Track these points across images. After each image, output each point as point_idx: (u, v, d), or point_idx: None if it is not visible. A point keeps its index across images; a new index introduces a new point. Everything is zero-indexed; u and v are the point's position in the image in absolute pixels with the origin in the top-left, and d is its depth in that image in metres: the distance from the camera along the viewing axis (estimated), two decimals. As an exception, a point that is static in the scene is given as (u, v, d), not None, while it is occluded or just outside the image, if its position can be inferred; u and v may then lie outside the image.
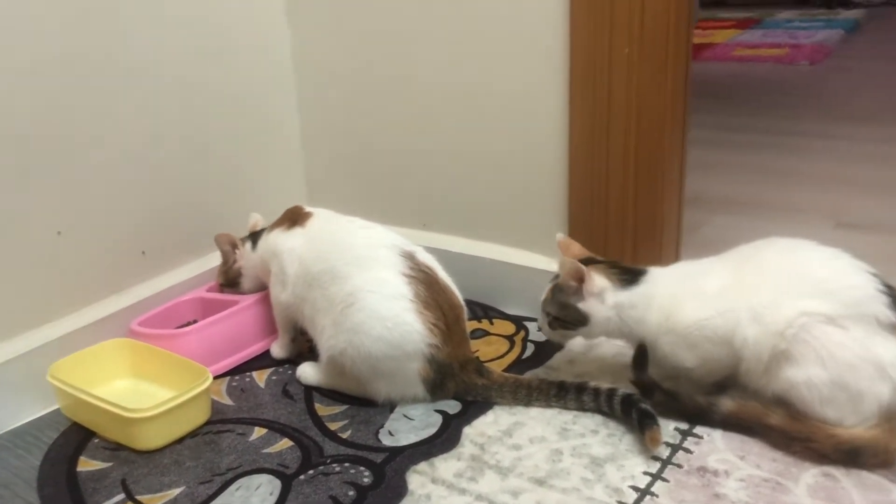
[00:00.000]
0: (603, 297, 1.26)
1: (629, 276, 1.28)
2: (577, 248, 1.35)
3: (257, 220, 1.60)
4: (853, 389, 1.10)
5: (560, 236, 1.37)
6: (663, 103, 1.39)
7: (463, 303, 1.36)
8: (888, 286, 1.14)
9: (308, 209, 1.50)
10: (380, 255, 1.33)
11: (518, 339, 1.53)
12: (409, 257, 1.33)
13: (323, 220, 1.46)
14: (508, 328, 1.57)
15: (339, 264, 1.34)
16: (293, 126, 1.86)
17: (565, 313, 1.28)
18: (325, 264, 1.36)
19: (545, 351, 1.48)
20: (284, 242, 1.44)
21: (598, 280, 1.26)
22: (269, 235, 1.50)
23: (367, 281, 1.30)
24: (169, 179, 1.61)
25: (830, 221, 1.99)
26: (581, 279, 1.25)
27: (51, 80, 1.39)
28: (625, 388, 1.26)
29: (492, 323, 1.60)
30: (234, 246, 1.58)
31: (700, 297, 1.20)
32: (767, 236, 1.26)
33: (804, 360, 1.12)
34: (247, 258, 1.57)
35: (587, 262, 1.29)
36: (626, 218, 1.47)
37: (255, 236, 1.58)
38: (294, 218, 1.48)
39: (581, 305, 1.26)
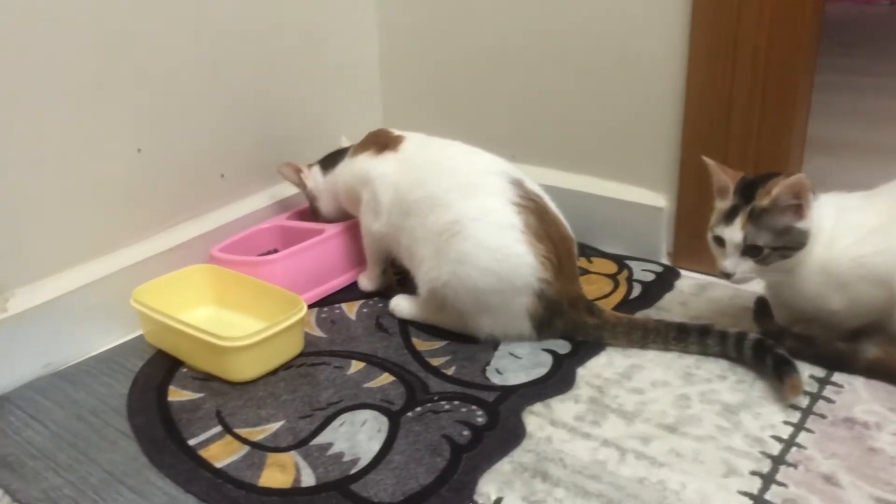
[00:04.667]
0: (812, 212, 1.08)
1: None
2: (731, 170, 1.15)
3: (344, 142, 1.51)
4: None
5: (707, 159, 1.17)
6: (799, 24, 1.25)
7: (573, 236, 1.26)
8: None
9: (397, 132, 1.40)
10: (486, 182, 1.23)
11: (621, 278, 1.43)
12: (518, 185, 1.23)
13: (418, 144, 1.35)
14: (609, 267, 1.47)
15: (440, 191, 1.24)
16: (371, 49, 1.74)
17: (787, 239, 1.07)
18: (424, 191, 1.26)
19: (653, 292, 1.38)
20: (375, 168, 1.34)
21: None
22: (355, 160, 1.39)
23: (473, 209, 1.20)
24: (246, 101, 1.51)
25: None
26: (802, 194, 1.06)
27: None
28: (751, 331, 1.16)
29: (590, 261, 1.50)
30: (298, 171, 1.50)
31: (855, 232, 1.09)
32: (868, 177, 1.12)
33: (971, 305, 1.01)
34: (317, 181, 1.48)
35: (755, 180, 1.11)
36: (747, 154, 1.35)
37: (327, 160, 1.49)
38: (383, 142, 1.38)
39: (801, 225, 1.07)
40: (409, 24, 1.71)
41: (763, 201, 1.08)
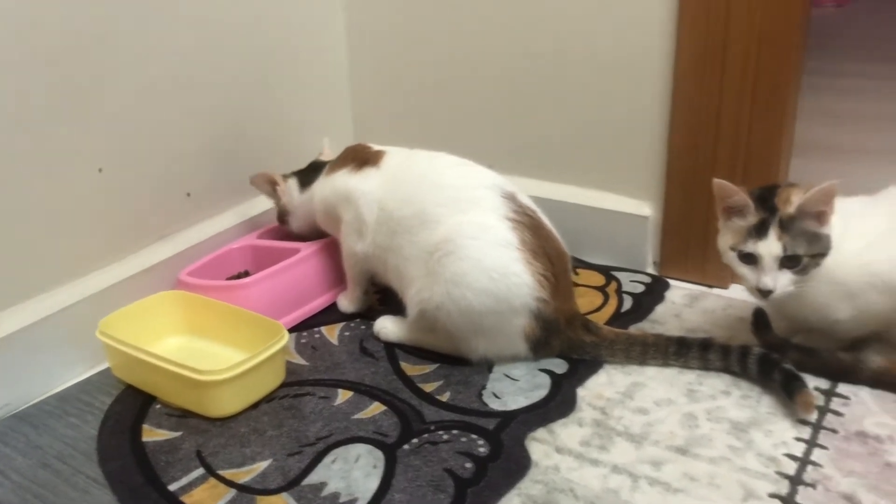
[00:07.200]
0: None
1: None
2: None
3: (325, 148, 1.44)
4: None
5: (718, 180, 1.09)
6: (789, 26, 1.23)
7: (567, 251, 1.21)
8: None
9: (377, 147, 1.34)
10: (479, 197, 1.17)
11: (611, 290, 1.39)
12: (512, 199, 1.18)
13: (402, 158, 1.29)
14: (596, 279, 1.43)
15: (430, 206, 1.18)
16: (340, 59, 1.67)
17: (819, 246, 1.04)
18: (413, 207, 1.20)
19: (644, 304, 1.34)
20: (358, 186, 1.27)
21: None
22: (333, 178, 1.32)
23: (467, 226, 1.14)
24: (212, 115, 1.43)
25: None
26: (830, 201, 1.02)
27: (87, 8, 1.19)
28: (751, 345, 1.13)
29: (576, 273, 1.45)
30: (274, 183, 1.42)
31: (862, 238, 1.06)
32: (845, 178, 1.09)
33: (981, 312, 0.99)
34: (292, 195, 1.41)
35: (764, 193, 1.08)
36: (736, 160, 1.32)
37: (305, 174, 1.42)
38: (363, 157, 1.31)
39: (824, 230, 1.04)
40: (378, 33, 1.64)
41: (789, 209, 1.04)
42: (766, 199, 1.07)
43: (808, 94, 2.40)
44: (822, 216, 1.04)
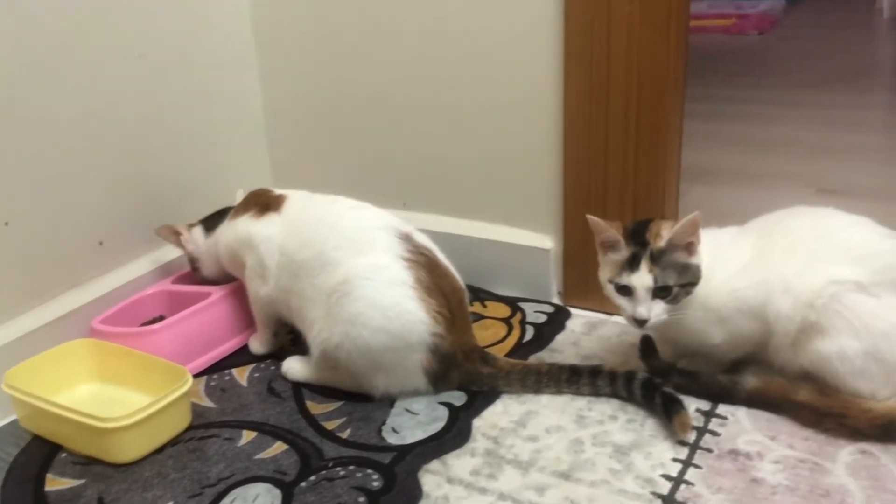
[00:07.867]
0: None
1: None
2: (612, 222, 1.16)
3: (238, 198, 1.47)
4: (888, 360, 1.05)
5: (591, 217, 1.15)
6: (666, 66, 1.31)
7: (464, 286, 1.27)
8: (918, 251, 1.09)
9: (279, 192, 1.38)
10: (374, 238, 1.22)
11: (515, 321, 1.44)
12: (407, 239, 1.23)
13: (302, 202, 1.34)
14: (502, 310, 1.49)
15: (328, 249, 1.22)
16: (255, 103, 1.72)
17: (689, 276, 1.10)
18: (312, 250, 1.24)
19: (545, 333, 1.40)
20: (259, 231, 1.31)
21: None
22: (236, 223, 1.36)
23: (362, 267, 1.19)
24: (124, 164, 1.46)
25: (811, 188, 1.96)
26: (696, 231, 1.10)
27: (-11, 53, 1.23)
28: (639, 370, 1.19)
29: (484, 306, 1.50)
30: (178, 234, 1.46)
31: (731, 267, 1.13)
32: (749, 204, 1.16)
33: (836, 332, 1.06)
34: (198, 243, 1.45)
35: (637, 227, 1.15)
36: (626, 191, 1.39)
37: (210, 221, 1.45)
38: (265, 202, 1.35)
39: (693, 261, 1.11)
40: (291, 79, 1.69)
41: (659, 243, 1.10)
42: (639, 234, 1.13)
43: (722, 121, 2.54)
44: (690, 247, 1.11)
